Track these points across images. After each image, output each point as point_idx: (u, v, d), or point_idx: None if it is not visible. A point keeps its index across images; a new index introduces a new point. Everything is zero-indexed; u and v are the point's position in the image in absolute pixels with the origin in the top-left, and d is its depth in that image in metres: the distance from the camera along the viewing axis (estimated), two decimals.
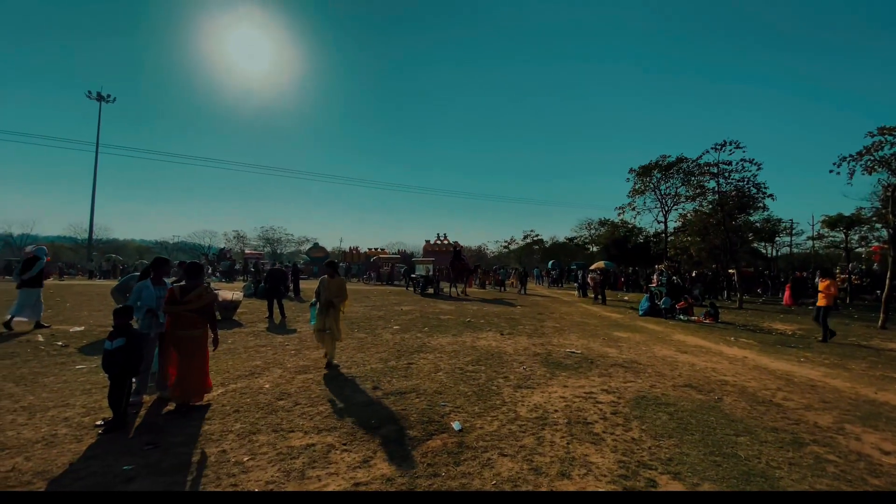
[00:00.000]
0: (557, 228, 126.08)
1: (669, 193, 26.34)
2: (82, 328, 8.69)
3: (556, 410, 4.46)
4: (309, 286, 21.61)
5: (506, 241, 58.36)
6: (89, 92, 44.40)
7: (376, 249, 42.72)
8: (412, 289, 19.39)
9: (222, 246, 47.90)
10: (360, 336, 8.61)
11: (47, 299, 13.44)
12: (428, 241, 40.06)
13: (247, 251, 43.70)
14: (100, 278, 29.84)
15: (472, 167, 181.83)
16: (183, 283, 4.63)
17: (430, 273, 19.95)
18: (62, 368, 5.75)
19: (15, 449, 3.34)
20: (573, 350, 7.66)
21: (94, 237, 46.65)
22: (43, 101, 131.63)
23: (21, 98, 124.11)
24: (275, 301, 11.10)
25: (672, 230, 27.05)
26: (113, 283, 19.15)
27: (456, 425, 3.96)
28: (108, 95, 45.33)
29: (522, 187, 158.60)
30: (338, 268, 6.69)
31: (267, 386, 5.16)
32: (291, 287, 15.91)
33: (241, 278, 29.31)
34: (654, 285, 17.38)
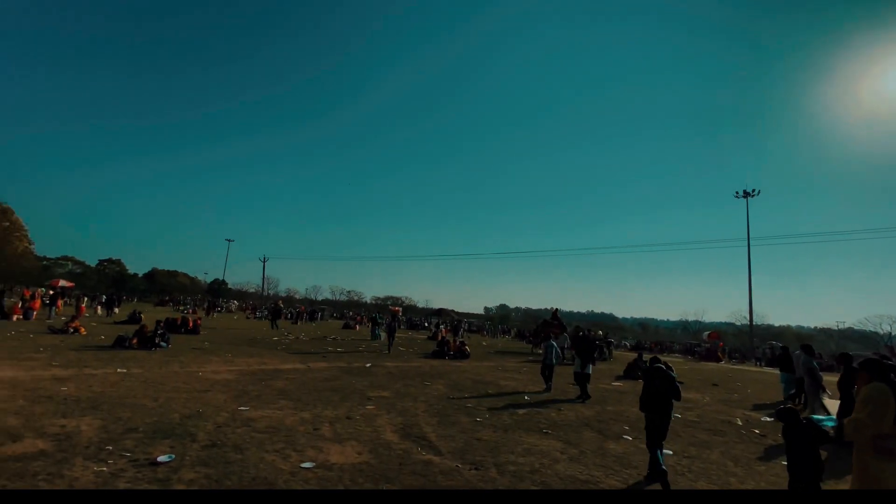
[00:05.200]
0: None
1: None
2: (771, 419, 8.91)
3: None
4: None
5: None
6: (736, 192, 49.76)
7: None
8: None
9: None
10: None
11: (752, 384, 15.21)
12: None
13: None
14: (763, 365, 30.31)
15: None
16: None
17: None
18: (762, 458, 6.01)
19: None
20: None
21: (753, 323, 49.12)
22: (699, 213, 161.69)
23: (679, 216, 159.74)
24: None
25: None
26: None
27: None
28: (754, 190, 48.67)
29: None
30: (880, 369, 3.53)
31: None
32: None
33: None
34: None
